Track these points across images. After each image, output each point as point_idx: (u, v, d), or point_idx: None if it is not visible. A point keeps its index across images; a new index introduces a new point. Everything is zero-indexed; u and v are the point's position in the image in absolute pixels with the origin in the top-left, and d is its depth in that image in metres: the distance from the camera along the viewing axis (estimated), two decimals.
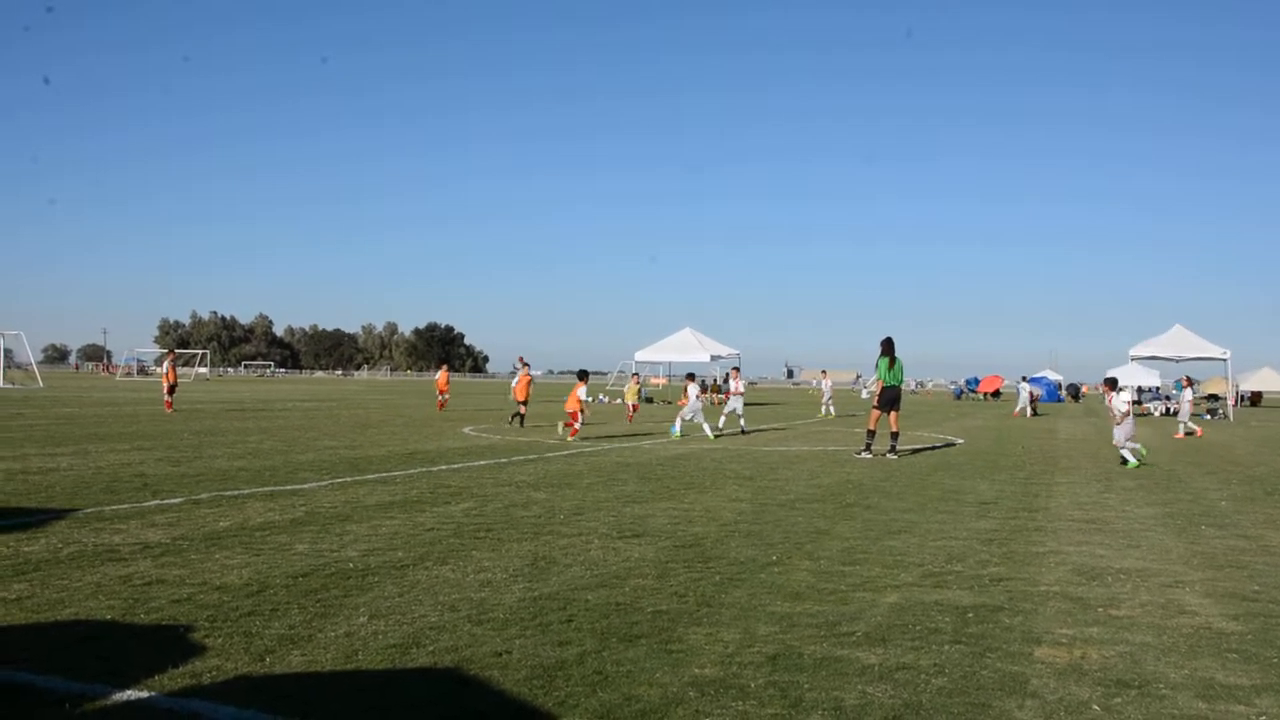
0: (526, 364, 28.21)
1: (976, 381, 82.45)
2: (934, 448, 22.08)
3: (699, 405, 24.69)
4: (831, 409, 40.86)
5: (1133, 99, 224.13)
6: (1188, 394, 32.10)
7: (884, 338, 19.05)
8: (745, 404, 28.10)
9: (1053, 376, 74.53)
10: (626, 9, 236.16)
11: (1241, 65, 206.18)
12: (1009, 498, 12.73)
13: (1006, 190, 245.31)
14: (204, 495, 11.28)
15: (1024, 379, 49.81)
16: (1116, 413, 18.19)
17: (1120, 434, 18.14)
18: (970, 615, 6.44)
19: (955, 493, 13.10)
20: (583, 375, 23.78)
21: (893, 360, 18.95)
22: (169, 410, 30.44)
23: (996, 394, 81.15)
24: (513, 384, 27.12)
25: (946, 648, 5.65)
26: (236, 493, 11.55)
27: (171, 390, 32.21)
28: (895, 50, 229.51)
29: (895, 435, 19.15)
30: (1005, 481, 14.74)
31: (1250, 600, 7.10)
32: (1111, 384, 19.57)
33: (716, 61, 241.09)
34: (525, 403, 26.83)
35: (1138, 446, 18.21)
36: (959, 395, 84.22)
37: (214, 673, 4.91)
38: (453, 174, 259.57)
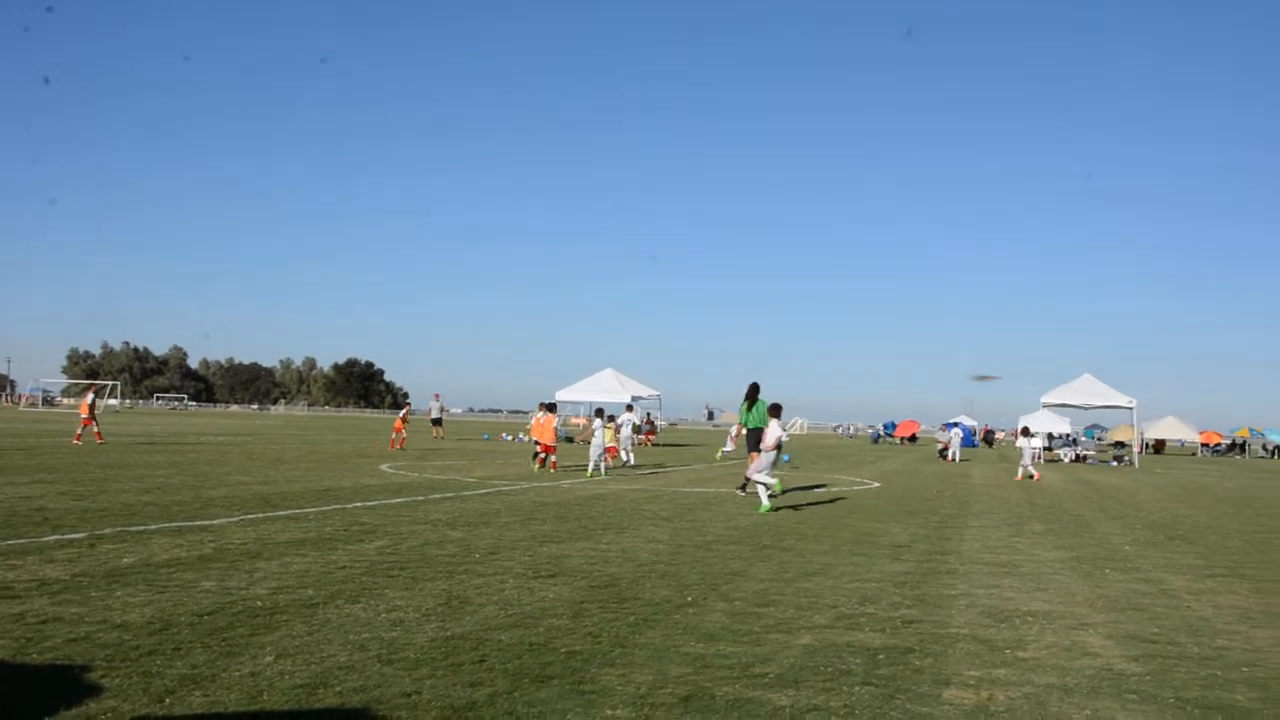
0: (551, 407, 26.73)
1: (894, 426, 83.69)
2: (849, 491, 22.33)
3: (600, 441, 24.22)
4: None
5: (1049, 157, 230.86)
6: (1035, 441, 34.17)
7: (751, 383, 19.78)
8: (663, 445, 27.84)
9: (968, 422, 75.91)
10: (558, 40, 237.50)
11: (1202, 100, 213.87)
12: (922, 541, 12.92)
13: (924, 235, 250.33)
14: (108, 530, 10.95)
15: (944, 425, 50.71)
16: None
17: (754, 467, 17.05)
18: (881, 657, 6.51)
19: (870, 535, 13.25)
20: (551, 408, 25.21)
21: (752, 405, 19.63)
22: (77, 442, 29.68)
23: (913, 438, 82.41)
24: (530, 424, 26.37)
25: (857, 689, 5.71)
26: (142, 528, 11.24)
27: (86, 424, 31.43)
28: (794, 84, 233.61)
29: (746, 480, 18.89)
30: (919, 525, 14.95)
31: (1150, 642, 7.28)
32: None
33: (645, 96, 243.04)
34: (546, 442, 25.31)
35: (772, 484, 16.66)
36: (876, 439, 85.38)
37: (109, 714, 4.76)
38: (375, 208, 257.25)
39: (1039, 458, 48.11)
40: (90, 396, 33.21)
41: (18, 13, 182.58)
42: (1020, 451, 31.58)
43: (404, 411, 39.22)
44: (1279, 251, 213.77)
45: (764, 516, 15.15)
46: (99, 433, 31.51)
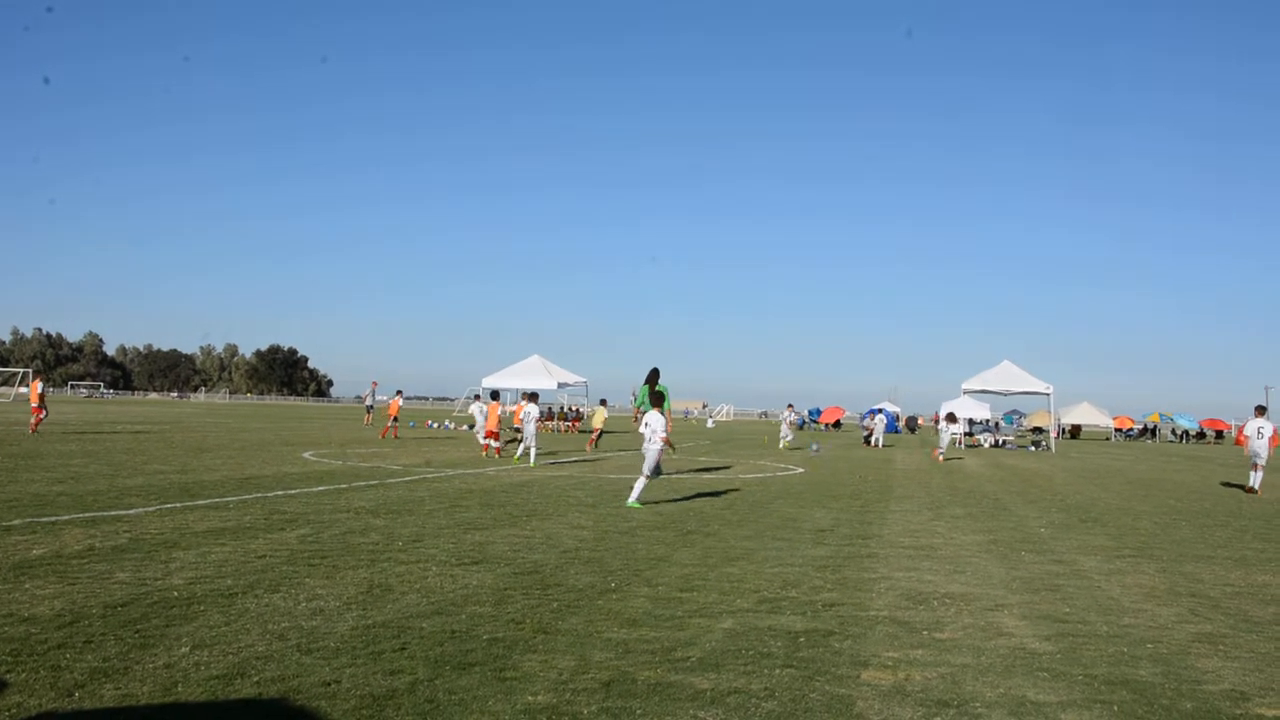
0: (495, 395, 28.04)
1: (818, 412, 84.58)
2: (773, 477, 22.53)
3: (533, 429, 24.15)
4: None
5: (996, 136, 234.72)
6: (956, 427, 38.64)
7: (651, 368, 20.09)
8: (587, 432, 27.88)
9: (891, 408, 76.96)
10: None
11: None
12: (844, 525, 13.09)
13: (850, 220, 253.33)
14: (16, 521, 10.65)
15: (869, 412, 51.46)
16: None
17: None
18: (802, 640, 6.59)
19: (793, 520, 13.40)
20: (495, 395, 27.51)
21: (653, 389, 19.74)
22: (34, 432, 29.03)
23: (837, 424, 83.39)
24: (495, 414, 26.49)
25: (778, 672, 5.77)
26: (54, 519, 10.96)
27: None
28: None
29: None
30: (841, 510, 15.15)
31: (1062, 621, 7.47)
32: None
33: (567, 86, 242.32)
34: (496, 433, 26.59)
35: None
36: (801, 425, 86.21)
37: (14, 710, 4.64)
38: (298, 194, 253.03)
39: (959, 443, 49.14)
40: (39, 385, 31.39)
41: (18, 13, 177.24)
42: (939, 435, 33.66)
43: (397, 398, 39.21)
44: (1194, 240, 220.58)
45: (638, 513, 13.85)
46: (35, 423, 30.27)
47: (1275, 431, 22.65)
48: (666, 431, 15.40)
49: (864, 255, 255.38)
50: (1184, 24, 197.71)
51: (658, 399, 17.45)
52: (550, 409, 52.88)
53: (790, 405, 43.91)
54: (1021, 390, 49.10)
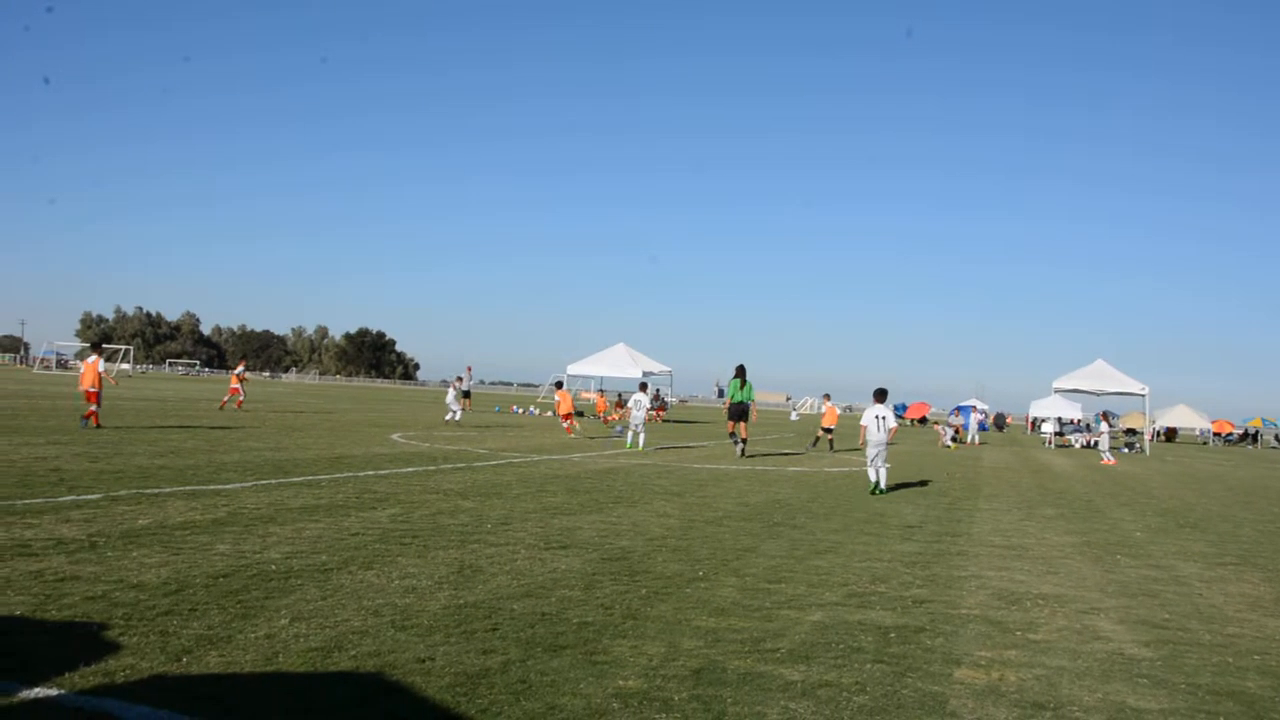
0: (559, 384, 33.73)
1: (904, 408, 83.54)
2: (858, 470, 22.31)
3: (641, 417, 25.13)
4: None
5: (1085, 145, 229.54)
6: (1104, 426, 34.60)
7: (738, 364, 24.60)
8: (673, 421, 28.84)
9: (980, 405, 75.69)
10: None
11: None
12: (933, 522, 12.92)
13: (941, 222, 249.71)
14: (123, 492, 11.02)
15: (956, 409, 50.72)
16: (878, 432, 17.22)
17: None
18: (892, 635, 6.52)
19: (881, 515, 13.26)
20: (560, 385, 33.22)
21: (743, 383, 24.53)
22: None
23: (924, 420, 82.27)
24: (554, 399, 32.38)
25: (869, 666, 5.72)
26: (157, 491, 11.31)
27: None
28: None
29: (744, 440, 24.31)
30: (929, 506, 14.95)
31: (1160, 628, 7.28)
32: (879, 395, 18.23)
33: (670, 66, 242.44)
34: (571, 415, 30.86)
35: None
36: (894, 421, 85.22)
37: (128, 671, 4.80)
38: (389, 178, 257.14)
39: (1049, 442, 48.10)
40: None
41: (18, 13, 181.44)
42: (1098, 438, 34.08)
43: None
44: None
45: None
46: (240, 401, 33.94)
47: None
48: (891, 433, 17.04)
49: (954, 248, 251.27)
50: None
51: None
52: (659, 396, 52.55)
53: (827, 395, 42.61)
54: (1115, 390, 47.94)
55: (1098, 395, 49.77)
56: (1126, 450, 46.90)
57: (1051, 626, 7.11)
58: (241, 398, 34.19)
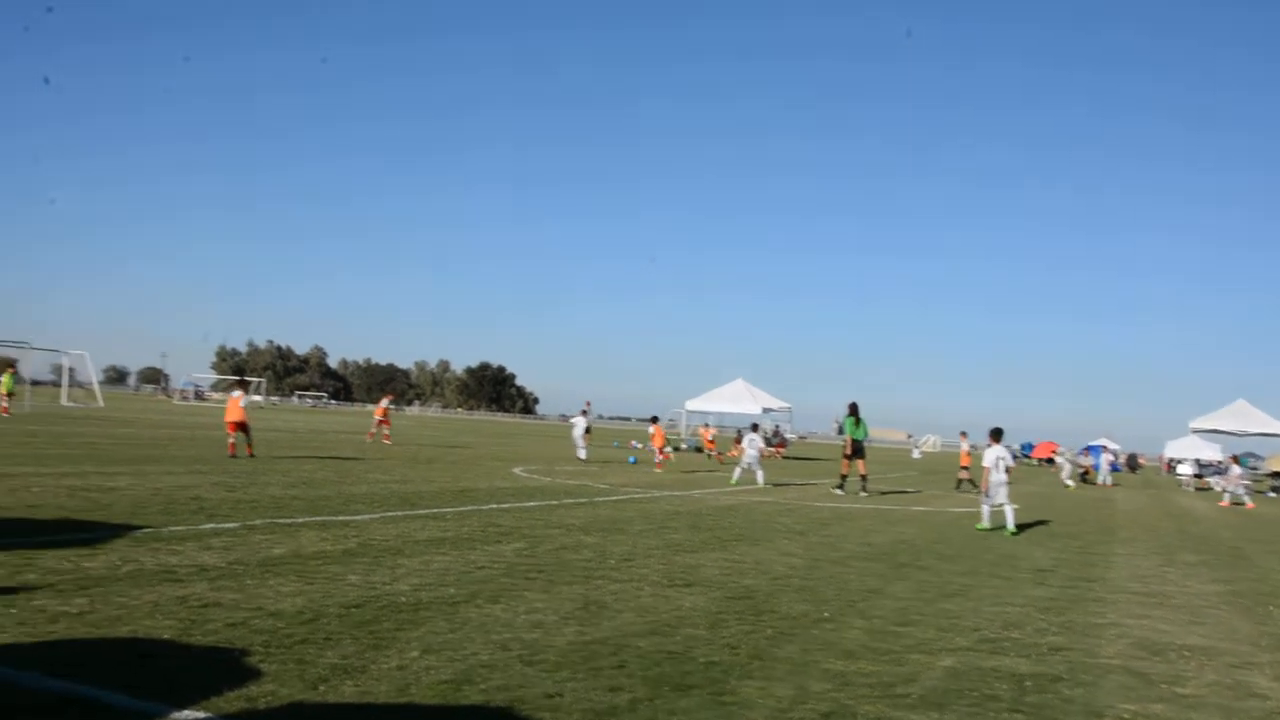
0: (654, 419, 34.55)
1: (1030, 447, 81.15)
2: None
3: (755, 455, 25.07)
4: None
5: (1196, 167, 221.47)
6: (1235, 470, 34.43)
7: (850, 402, 24.73)
8: (793, 458, 28.68)
9: (1111, 445, 73.17)
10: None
11: None
12: (1065, 566, 12.49)
13: (1065, 255, 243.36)
14: (258, 521, 11.38)
15: (1085, 449, 49.15)
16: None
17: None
18: (1028, 684, 6.30)
19: (1010, 558, 12.87)
20: (655, 420, 33.77)
21: (858, 420, 24.52)
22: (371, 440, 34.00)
23: (1050, 460, 79.80)
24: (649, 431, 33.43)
25: (1004, 716, 5.54)
26: (290, 521, 11.65)
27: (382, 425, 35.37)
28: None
29: (864, 478, 24.49)
30: (1061, 550, 14.46)
31: None
32: (996, 435, 17.92)
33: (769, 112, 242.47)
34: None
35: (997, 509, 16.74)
36: (1013, 460, 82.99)
37: (269, 698, 4.93)
38: (516, 214, 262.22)
39: (1186, 485, 46.17)
40: (385, 402, 37.19)
41: (18, 13, 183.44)
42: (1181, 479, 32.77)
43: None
44: None
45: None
46: (387, 434, 35.13)
47: None
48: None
49: (1081, 276, 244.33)
50: None
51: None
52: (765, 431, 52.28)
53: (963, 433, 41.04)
54: (1258, 431, 45.86)
55: (1239, 436, 47.68)
56: (1272, 494, 44.67)
57: (1201, 681, 6.77)
58: (387, 431, 35.27)
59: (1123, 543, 16.38)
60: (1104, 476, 43.45)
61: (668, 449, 33.55)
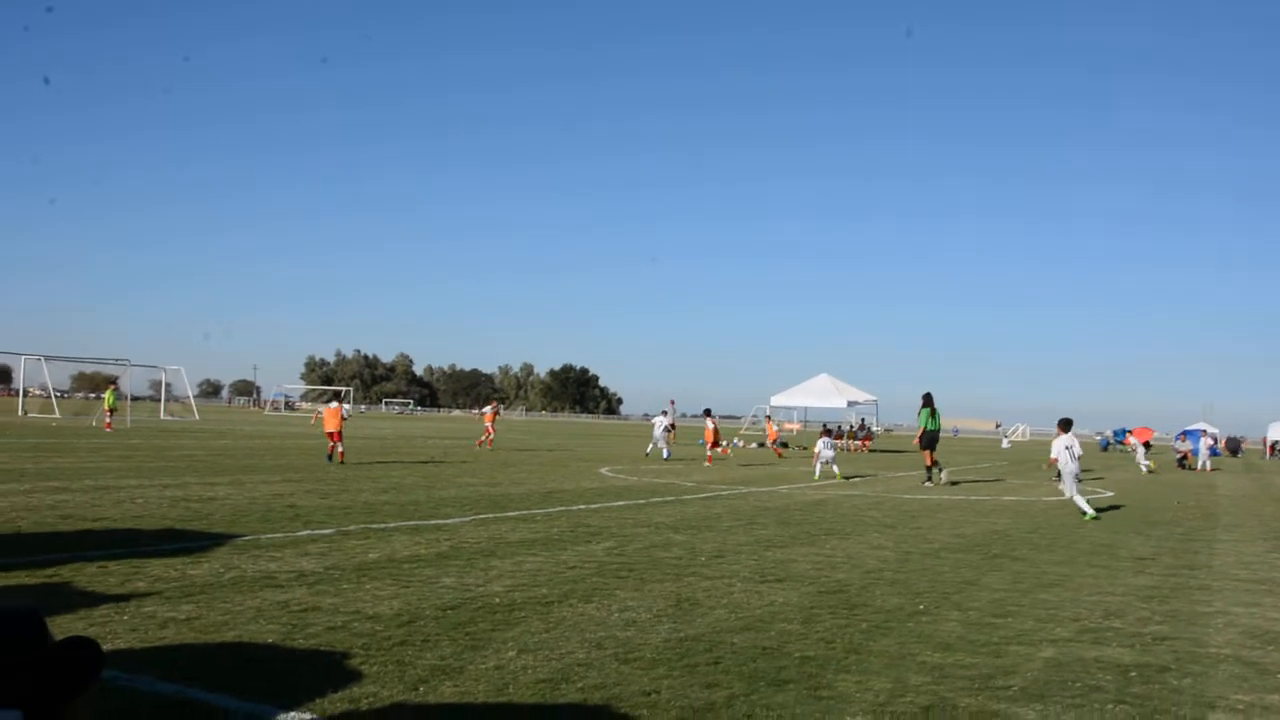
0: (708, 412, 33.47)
1: (1125, 433, 79.13)
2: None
3: (830, 455, 25.61)
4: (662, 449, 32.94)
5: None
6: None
7: (925, 392, 24.89)
8: (878, 450, 28.60)
9: (1209, 429, 71.02)
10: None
11: None
12: (1167, 554, 12.17)
13: (1159, 243, 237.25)
14: (352, 527, 11.60)
15: (1182, 434, 47.85)
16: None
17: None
18: (1134, 674, 6.16)
19: (1108, 547, 12.58)
20: (709, 412, 33.15)
21: (933, 411, 24.75)
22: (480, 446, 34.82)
23: (1148, 445, 77.81)
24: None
25: (1110, 707, 5.41)
26: (383, 526, 11.85)
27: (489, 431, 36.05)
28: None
29: (928, 467, 24.54)
30: (1161, 537, 14.09)
31: None
32: (1064, 425, 17.73)
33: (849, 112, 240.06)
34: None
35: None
36: (1105, 447, 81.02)
37: (371, 699, 5.02)
38: (590, 221, 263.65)
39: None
40: (491, 407, 38.07)
41: (18, 13, 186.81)
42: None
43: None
44: None
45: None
46: (490, 440, 35.76)
47: None
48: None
49: (1173, 261, 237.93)
50: None
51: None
52: (839, 427, 51.85)
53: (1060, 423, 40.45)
54: None
55: None
56: None
57: None
58: (492, 436, 35.93)
59: (1226, 528, 15.92)
60: (1203, 461, 42.27)
61: (723, 444, 33.60)
